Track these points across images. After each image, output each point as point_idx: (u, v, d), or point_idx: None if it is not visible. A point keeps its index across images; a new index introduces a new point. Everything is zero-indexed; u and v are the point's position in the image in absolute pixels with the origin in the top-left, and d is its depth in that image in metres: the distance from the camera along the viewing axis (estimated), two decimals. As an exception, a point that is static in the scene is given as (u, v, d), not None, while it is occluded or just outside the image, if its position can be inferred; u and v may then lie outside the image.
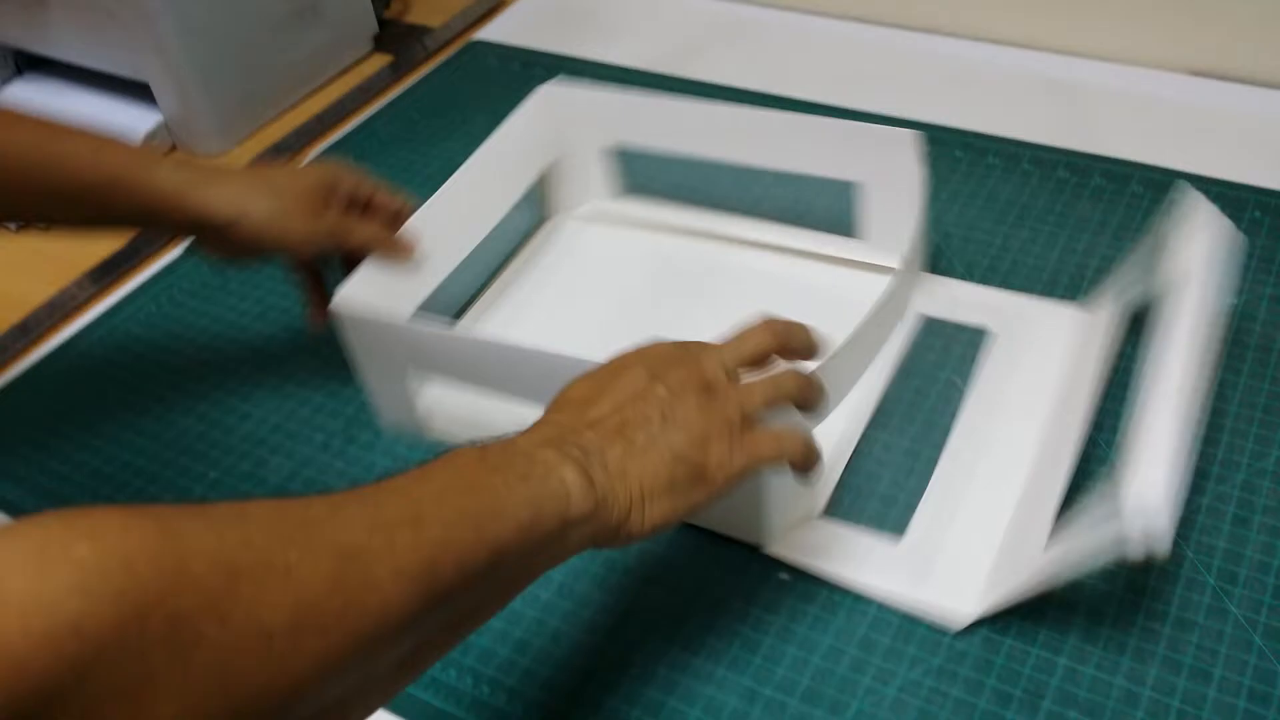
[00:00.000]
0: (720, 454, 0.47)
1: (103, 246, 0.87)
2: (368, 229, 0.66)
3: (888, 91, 0.91)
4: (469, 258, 0.73)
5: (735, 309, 0.56)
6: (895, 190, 0.70)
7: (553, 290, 0.77)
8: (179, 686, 0.29)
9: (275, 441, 0.69)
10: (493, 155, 0.73)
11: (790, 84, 0.93)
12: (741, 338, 0.51)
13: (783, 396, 0.49)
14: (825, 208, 0.77)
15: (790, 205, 0.79)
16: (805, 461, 0.49)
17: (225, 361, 0.75)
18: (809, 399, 0.51)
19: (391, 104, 0.99)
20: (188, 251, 0.85)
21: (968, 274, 0.74)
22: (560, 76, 0.79)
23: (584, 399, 0.48)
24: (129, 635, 0.28)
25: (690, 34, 1.03)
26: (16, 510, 0.67)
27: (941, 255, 0.75)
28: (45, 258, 0.87)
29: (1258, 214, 0.75)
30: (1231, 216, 0.74)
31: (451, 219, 0.70)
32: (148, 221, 0.64)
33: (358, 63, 1.06)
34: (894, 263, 0.70)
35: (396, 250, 0.66)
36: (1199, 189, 0.77)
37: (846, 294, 0.70)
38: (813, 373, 0.51)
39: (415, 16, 1.12)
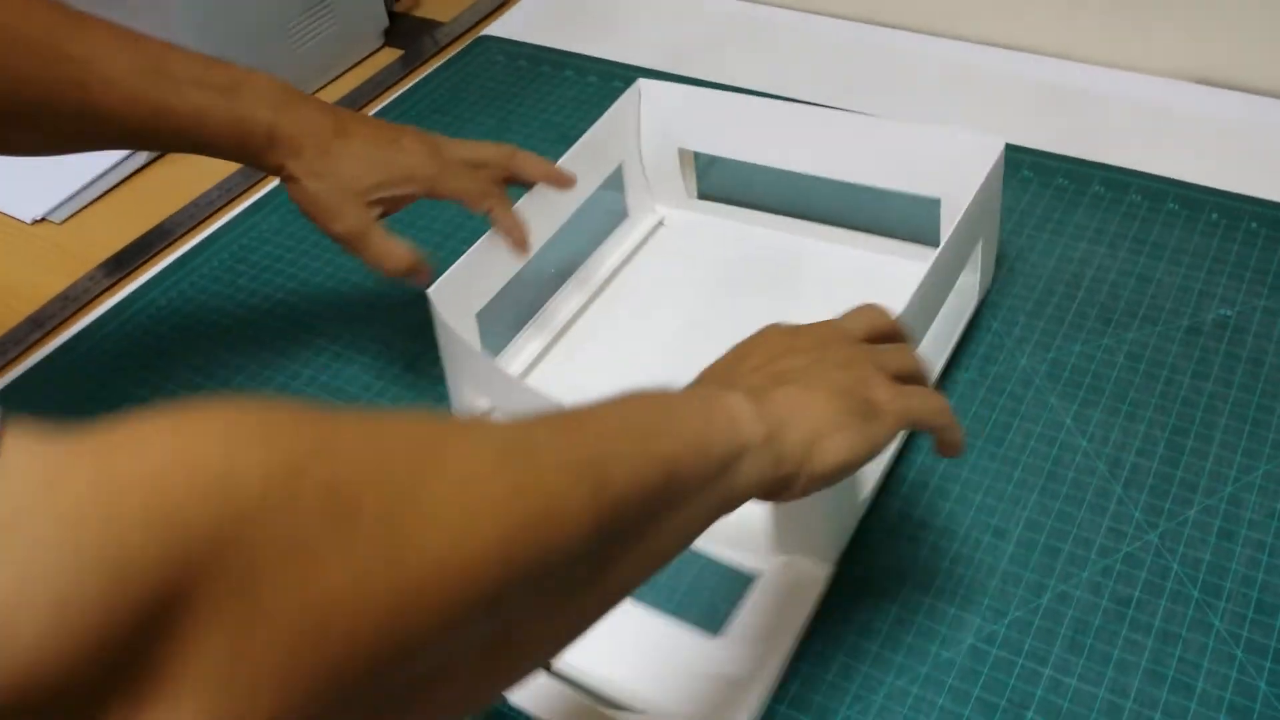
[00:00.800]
0: (886, 392, 0.46)
1: (117, 239, 0.88)
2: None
3: (892, 94, 0.92)
4: (551, 247, 0.73)
5: (818, 304, 0.58)
6: (974, 202, 0.66)
7: (633, 288, 0.78)
8: (344, 556, 0.27)
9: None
10: (585, 150, 0.73)
11: (798, 86, 0.94)
12: (853, 315, 0.51)
13: (911, 366, 0.50)
14: (907, 216, 0.76)
15: (872, 211, 0.78)
16: (952, 429, 0.49)
17: (239, 355, 0.77)
18: (926, 380, 0.51)
19: (399, 100, 1.00)
20: (204, 244, 0.86)
21: (966, 281, 0.75)
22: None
23: (733, 359, 0.48)
24: (279, 495, 0.26)
25: (701, 33, 1.04)
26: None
27: (940, 262, 0.76)
28: (58, 249, 0.88)
29: (1254, 225, 0.76)
30: (1227, 227, 0.75)
31: (535, 209, 0.70)
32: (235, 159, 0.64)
33: (367, 57, 1.07)
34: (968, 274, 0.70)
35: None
36: (1196, 198, 0.78)
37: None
38: (921, 356, 0.51)
39: (425, 11, 1.13)
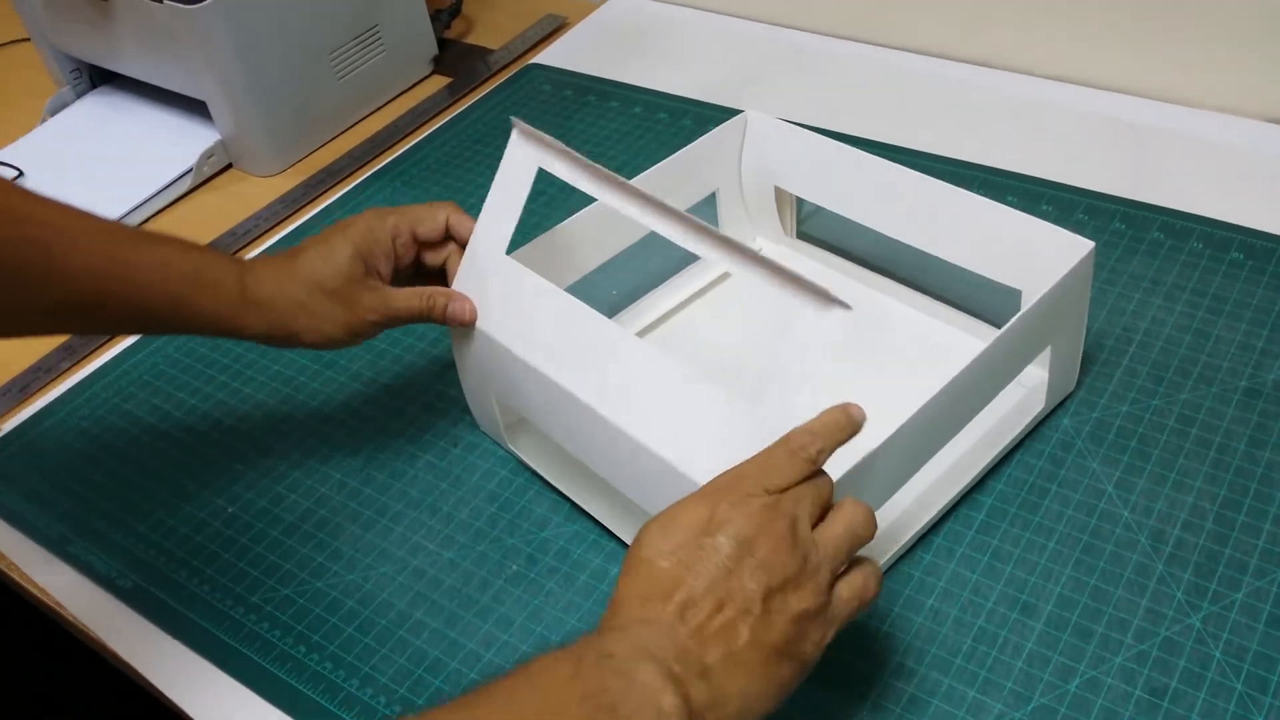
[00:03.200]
0: (818, 635, 0.46)
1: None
2: (411, 303, 0.62)
3: (943, 128, 0.89)
4: (620, 267, 0.73)
5: (878, 366, 0.65)
6: (1047, 296, 0.59)
7: (698, 319, 0.76)
8: None
9: (309, 466, 0.70)
10: (672, 170, 0.72)
11: (844, 118, 0.91)
12: (820, 486, 0.48)
13: (860, 542, 0.48)
14: (991, 298, 0.70)
15: (960, 288, 0.72)
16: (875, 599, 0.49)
17: (261, 389, 0.76)
18: (872, 534, 0.48)
19: (445, 128, 0.99)
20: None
21: (1009, 332, 0.71)
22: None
23: (672, 583, 0.45)
24: None
25: (748, 62, 1.01)
26: (42, 536, 0.68)
27: (984, 310, 0.73)
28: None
29: (1326, 279, 0.71)
30: (1291, 282, 0.70)
31: (602, 224, 0.69)
32: (216, 335, 0.62)
33: (416, 84, 1.07)
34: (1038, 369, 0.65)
35: (452, 318, 0.63)
36: (1263, 247, 0.73)
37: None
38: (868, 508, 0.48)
39: (475, 38, 1.12)
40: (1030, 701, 0.53)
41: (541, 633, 0.59)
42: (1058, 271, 0.59)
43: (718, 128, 0.74)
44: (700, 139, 0.73)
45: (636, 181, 0.65)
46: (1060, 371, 0.64)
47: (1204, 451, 0.62)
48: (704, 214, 0.73)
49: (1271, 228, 0.75)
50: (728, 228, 0.79)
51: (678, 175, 0.72)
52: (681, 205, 0.70)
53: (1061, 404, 0.66)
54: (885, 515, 0.59)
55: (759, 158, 0.76)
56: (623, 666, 0.42)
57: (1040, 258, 0.61)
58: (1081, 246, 0.60)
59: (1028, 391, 0.65)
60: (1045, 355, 0.63)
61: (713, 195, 0.77)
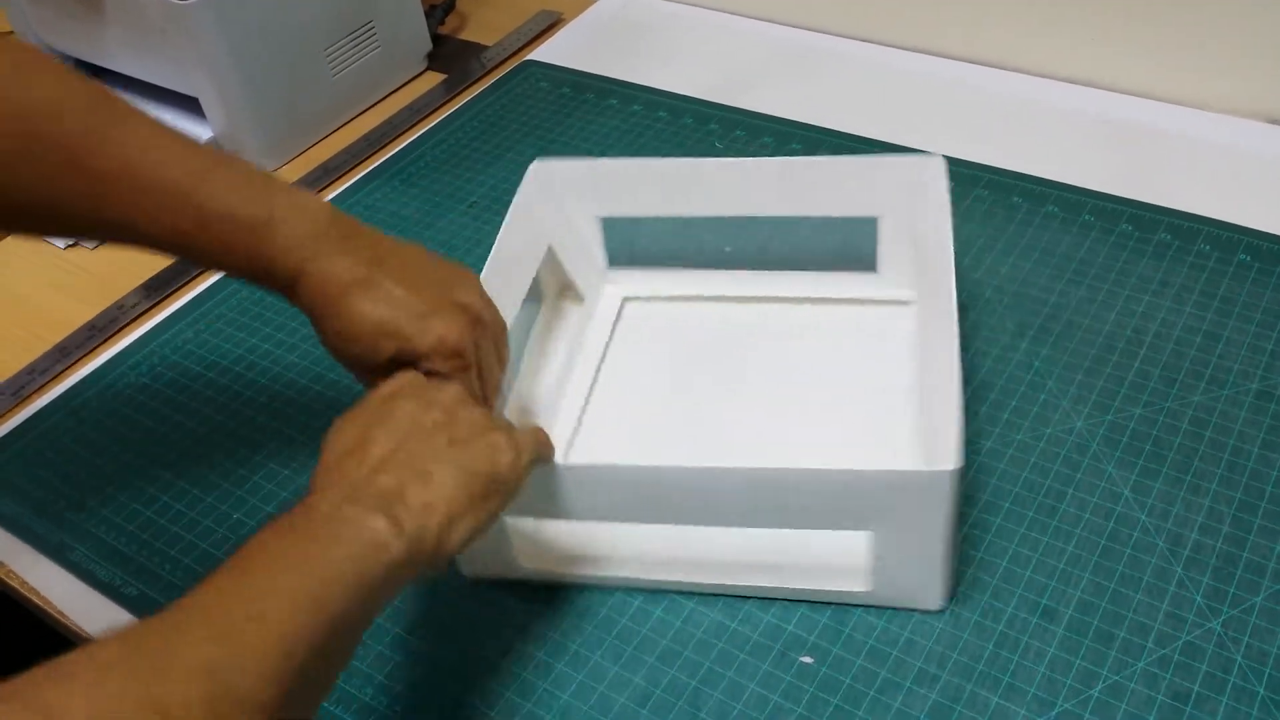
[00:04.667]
0: (508, 458, 0.50)
1: (148, 266, 0.87)
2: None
3: (946, 128, 0.88)
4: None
5: (774, 370, 0.69)
6: (921, 219, 0.66)
7: (586, 375, 0.72)
8: None
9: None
10: (506, 248, 0.67)
11: (845, 116, 0.90)
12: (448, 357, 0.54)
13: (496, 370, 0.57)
14: (838, 244, 0.74)
15: (800, 247, 0.75)
16: (551, 452, 0.56)
17: (264, 391, 0.75)
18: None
19: (440, 125, 0.98)
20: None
21: (1019, 334, 0.71)
22: (543, 157, 0.72)
23: (360, 442, 0.49)
24: None
25: (748, 61, 1.00)
26: (42, 543, 0.67)
27: (993, 311, 0.72)
28: (90, 275, 0.87)
29: (1333, 280, 0.71)
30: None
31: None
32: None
33: (410, 80, 1.05)
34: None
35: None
36: (1270, 249, 0.73)
37: (874, 332, 0.72)
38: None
39: (469, 34, 1.11)
40: (1054, 707, 0.53)
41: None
42: (920, 190, 0.64)
43: (519, 191, 0.70)
44: (509, 213, 0.68)
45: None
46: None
47: (1218, 454, 0.62)
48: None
49: (1278, 229, 0.75)
50: (559, 274, 0.76)
51: (512, 254, 0.68)
52: (527, 280, 0.69)
53: (1072, 397, 0.66)
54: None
55: (568, 202, 0.73)
56: (329, 511, 0.45)
57: (891, 182, 0.66)
58: (936, 163, 0.65)
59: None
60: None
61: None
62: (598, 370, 0.72)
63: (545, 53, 1.06)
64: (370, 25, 0.99)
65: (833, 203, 0.70)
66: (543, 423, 0.66)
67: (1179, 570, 0.57)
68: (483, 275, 0.60)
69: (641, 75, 1.00)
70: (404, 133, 0.99)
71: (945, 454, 0.51)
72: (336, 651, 0.43)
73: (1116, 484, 0.62)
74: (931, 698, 0.54)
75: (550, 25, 1.10)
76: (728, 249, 0.76)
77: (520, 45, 1.08)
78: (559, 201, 0.73)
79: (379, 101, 1.03)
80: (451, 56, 1.07)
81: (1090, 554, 0.59)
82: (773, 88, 0.97)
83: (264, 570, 0.42)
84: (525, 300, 0.68)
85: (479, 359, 0.55)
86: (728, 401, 0.69)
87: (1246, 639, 0.54)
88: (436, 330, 0.53)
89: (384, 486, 0.47)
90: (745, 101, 0.95)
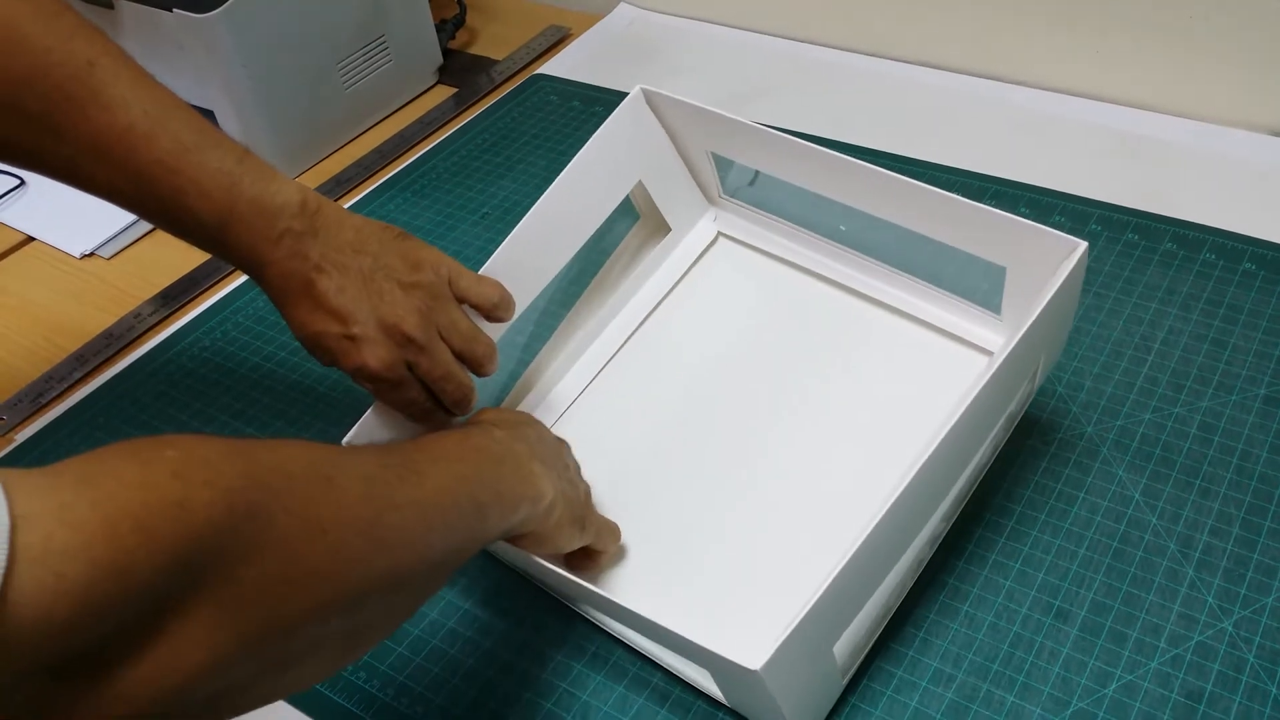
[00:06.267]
0: (594, 521, 0.60)
1: (165, 275, 0.87)
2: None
3: (952, 140, 0.89)
4: (566, 274, 0.71)
5: (824, 373, 0.68)
6: (1040, 285, 0.58)
7: (666, 316, 0.75)
8: (268, 557, 0.36)
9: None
10: (583, 172, 0.68)
11: (852, 130, 0.91)
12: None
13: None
14: (962, 271, 0.68)
15: (922, 254, 0.69)
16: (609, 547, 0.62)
17: (281, 399, 0.75)
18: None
19: (451, 138, 0.99)
20: (252, 282, 0.86)
21: (1029, 341, 0.72)
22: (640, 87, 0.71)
23: (521, 429, 0.59)
24: (221, 514, 0.34)
25: (755, 75, 1.02)
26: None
27: (1002, 320, 0.73)
28: (106, 285, 0.88)
29: (1338, 289, 0.72)
30: (1309, 295, 0.71)
31: (539, 245, 0.66)
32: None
33: (421, 94, 1.06)
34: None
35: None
36: (1274, 258, 0.74)
37: (946, 374, 0.66)
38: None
39: (480, 48, 1.12)
40: (1069, 706, 0.53)
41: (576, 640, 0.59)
42: (1051, 266, 0.57)
43: (615, 113, 0.70)
44: (603, 128, 0.69)
45: (545, 200, 0.65)
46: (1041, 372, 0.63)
47: (1227, 459, 0.63)
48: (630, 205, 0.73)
49: (1261, 235, 0.76)
50: (676, 209, 0.75)
51: (598, 170, 0.68)
52: (609, 208, 0.70)
53: (1081, 403, 0.67)
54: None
55: (687, 133, 0.72)
56: (504, 441, 0.54)
57: (1024, 246, 0.60)
58: (1074, 245, 0.57)
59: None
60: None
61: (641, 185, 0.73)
62: (654, 308, 0.75)
63: (554, 67, 1.07)
64: (382, 39, 1.00)
65: (964, 240, 0.63)
66: (570, 354, 0.72)
67: (1190, 572, 0.58)
68: (543, 197, 0.66)
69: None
70: (415, 145, 1.00)
71: (760, 645, 0.46)
72: (442, 566, 0.46)
73: (1127, 487, 0.62)
74: (948, 697, 0.54)
75: (559, 40, 1.11)
76: (843, 228, 0.72)
77: (530, 60, 1.09)
78: (662, 130, 0.73)
79: (390, 115, 1.04)
80: (462, 71, 1.09)
81: (1102, 556, 0.59)
82: (779, 101, 0.98)
83: (436, 445, 0.50)
84: (614, 219, 0.71)
85: (424, 374, 0.57)
86: (753, 389, 0.69)
87: (1258, 639, 0.55)
88: (358, 357, 0.56)
89: (541, 455, 0.55)
90: (752, 115, 0.95)
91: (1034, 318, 0.54)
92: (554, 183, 0.66)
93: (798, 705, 0.50)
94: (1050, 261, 0.58)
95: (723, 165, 0.74)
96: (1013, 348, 0.53)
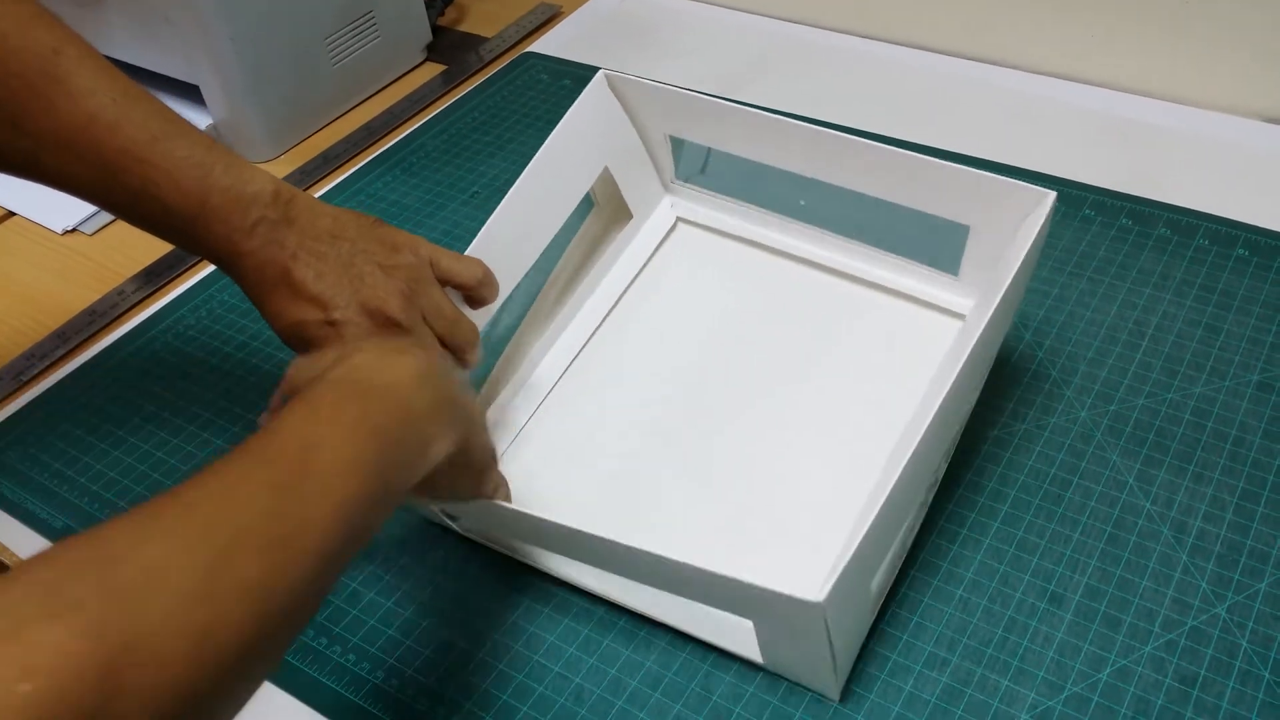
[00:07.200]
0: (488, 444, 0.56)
1: (148, 252, 0.86)
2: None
3: (948, 123, 0.89)
4: (538, 267, 0.70)
5: (797, 345, 0.68)
6: (1007, 241, 0.62)
7: (633, 301, 0.74)
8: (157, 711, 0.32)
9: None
10: (553, 157, 0.68)
11: (848, 111, 0.91)
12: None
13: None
14: (924, 235, 0.69)
15: (882, 224, 0.71)
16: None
17: (267, 377, 0.75)
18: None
19: (440, 115, 0.98)
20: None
21: (1023, 325, 0.71)
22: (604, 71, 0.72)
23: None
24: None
25: (748, 56, 1.01)
26: (45, 528, 0.67)
27: (996, 304, 0.73)
28: (88, 261, 0.87)
29: (1331, 275, 0.72)
30: (1304, 281, 0.71)
31: (516, 233, 0.66)
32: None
33: (409, 72, 1.05)
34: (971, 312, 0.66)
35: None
36: (1268, 244, 0.74)
37: (920, 337, 0.68)
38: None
39: (469, 25, 1.11)
40: (1064, 690, 0.53)
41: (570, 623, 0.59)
42: (1020, 216, 0.59)
43: (580, 99, 0.70)
44: (568, 116, 0.69)
45: (518, 187, 0.65)
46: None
47: (1220, 444, 0.63)
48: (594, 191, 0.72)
49: (1276, 225, 0.76)
50: (637, 196, 0.75)
51: (562, 167, 0.68)
52: (578, 195, 0.70)
53: (1075, 388, 0.67)
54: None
55: (646, 115, 0.72)
56: (401, 393, 0.46)
57: (991, 201, 0.62)
58: (1043, 195, 0.60)
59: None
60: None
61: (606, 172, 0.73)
62: (621, 294, 0.73)
63: (545, 45, 1.06)
64: (370, 15, 0.99)
65: (928, 201, 0.65)
66: (544, 343, 0.71)
67: (1184, 557, 0.58)
68: (516, 185, 0.64)
69: (641, 69, 1.00)
70: (404, 123, 0.99)
71: (819, 579, 0.46)
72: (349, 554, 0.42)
73: (1121, 473, 0.62)
74: (943, 681, 0.54)
75: (550, 18, 1.10)
76: (802, 202, 0.72)
77: (520, 38, 1.08)
78: (625, 115, 0.72)
79: (378, 92, 1.03)
80: (451, 48, 1.08)
81: (1096, 541, 0.59)
82: (773, 82, 0.97)
83: (328, 458, 0.41)
84: (577, 208, 0.70)
85: None
86: (732, 368, 0.69)
87: (1251, 624, 0.55)
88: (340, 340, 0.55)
89: (446, 397, 0.48)
90: (747, 95, 0.95)
91: (1015, 269, 0.56)
92: (523, 173, 0.65)
93: (842, 649, 0.51)
94: (1016, 215, 0.60)
95: (676, 150, 0.75)
96: (998, 304, 0.55)
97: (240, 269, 0.55)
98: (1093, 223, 0.78)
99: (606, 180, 0.73)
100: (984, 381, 0.64)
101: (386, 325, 0.55)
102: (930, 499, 0.61)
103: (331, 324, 0.55)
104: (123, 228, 0.89)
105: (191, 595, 0.34)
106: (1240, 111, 0.86)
